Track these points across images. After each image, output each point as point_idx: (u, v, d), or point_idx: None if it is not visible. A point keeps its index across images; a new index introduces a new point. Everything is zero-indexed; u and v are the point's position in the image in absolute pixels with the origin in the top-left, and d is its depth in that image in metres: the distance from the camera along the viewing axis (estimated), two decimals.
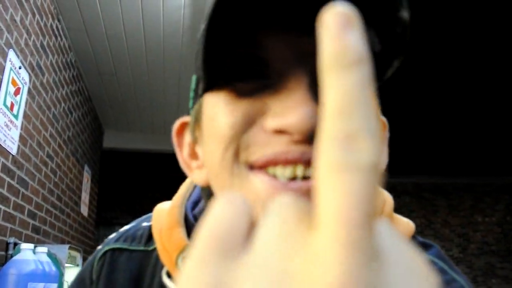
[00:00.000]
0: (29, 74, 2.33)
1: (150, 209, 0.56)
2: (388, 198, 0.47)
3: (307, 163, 0.32)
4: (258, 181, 0.33)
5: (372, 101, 0.13)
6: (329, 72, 0.14)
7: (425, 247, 0.45)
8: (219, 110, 0.35)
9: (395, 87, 3.71)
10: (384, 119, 0.45)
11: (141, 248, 0.52)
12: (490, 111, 4.14)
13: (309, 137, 0.31)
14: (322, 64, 0.14)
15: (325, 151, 0.13)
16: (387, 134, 0.45)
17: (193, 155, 0.43)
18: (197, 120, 0.40)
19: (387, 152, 0.44)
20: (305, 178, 0.32)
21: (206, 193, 0.46)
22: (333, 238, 0.12)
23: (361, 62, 0.14)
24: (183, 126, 0.45)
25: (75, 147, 3.43)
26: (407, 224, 0.46)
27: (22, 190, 2.28)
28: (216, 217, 0.15)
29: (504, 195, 6.18)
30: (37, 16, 2.43)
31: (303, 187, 0.32)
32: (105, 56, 3.26)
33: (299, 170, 0.32)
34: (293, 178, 0.32)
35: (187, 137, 0.44)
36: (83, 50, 3.20)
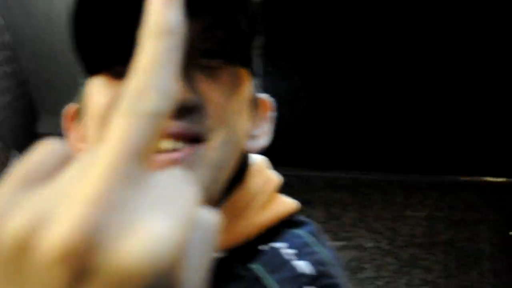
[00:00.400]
0: None
1: None
2: (273, 178, 0.49)
3: (176, 136, 0.35)
4: None
5: (173, 65, 0.16)
6: (144, 39, 0.17)
7: (300, 224, 0.47)
8: (96, 92, 0.39)
9: (339, 85, 3.74)
10: (269, 99, 0.49)
11: None
12: (425, 111, 4.24)
13: (178, 112, 0.35)
14: (141, 33, 0.17)
15: (122, 101, 0.16)
16: (270, 114, 0.49)
17: (83, 138, 0.45)
18: (84, 105, 0.43)
19: (270, 130, 0.48)
20: (175, 150, 0.35)
21: None
22: (98, 165, 0.15)
23: (170, 33, 0.16)
24: (74, 111, 0.48)
25: (5, 131, 3.21)
26: (287, 204, 0.48)
27: None
28: (27, 158, 0.17)
29: (433, 192, 6.65)
30: None
31: (170, 158, 0.35)
32: (45, 37, 3.09)
33: (167, 143, 0.35)
34: (163, 151, 0.35)
35: (77, 122, 0.47)
36: (20, 30, 3.01)
